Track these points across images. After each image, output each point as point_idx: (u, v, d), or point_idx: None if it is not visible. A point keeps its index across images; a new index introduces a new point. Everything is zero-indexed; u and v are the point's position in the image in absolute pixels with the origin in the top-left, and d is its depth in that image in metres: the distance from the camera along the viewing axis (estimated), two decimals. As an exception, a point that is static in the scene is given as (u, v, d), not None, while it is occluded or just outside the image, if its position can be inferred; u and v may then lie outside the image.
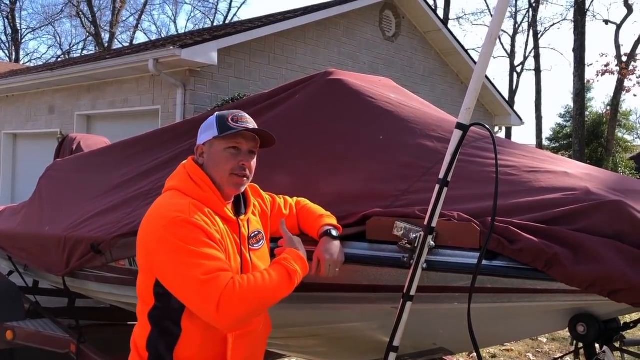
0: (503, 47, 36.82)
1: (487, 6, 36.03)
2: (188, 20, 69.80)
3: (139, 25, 37.90)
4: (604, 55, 44.34)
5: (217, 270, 1.70)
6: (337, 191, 2.43)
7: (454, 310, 2.02)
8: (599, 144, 25.85)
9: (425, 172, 2.30)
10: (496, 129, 15.71)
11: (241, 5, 76.85)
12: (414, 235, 1.93)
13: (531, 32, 33.02)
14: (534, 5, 31.97)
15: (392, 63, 12.59)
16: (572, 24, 20.36)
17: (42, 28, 39.63)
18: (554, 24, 47.89)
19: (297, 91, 2.92)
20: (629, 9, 26.37)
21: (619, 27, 27.01)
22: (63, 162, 4.39)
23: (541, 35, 34.34)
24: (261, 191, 2.23)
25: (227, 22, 34.03)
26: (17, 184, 13.73)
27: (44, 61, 36.89)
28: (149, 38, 37.45)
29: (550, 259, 1.73)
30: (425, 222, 1.88)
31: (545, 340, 5.89)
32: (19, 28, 37.34)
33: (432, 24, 13.14)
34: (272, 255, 2.06)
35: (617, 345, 2.00)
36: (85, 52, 36.11)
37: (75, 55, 34.76)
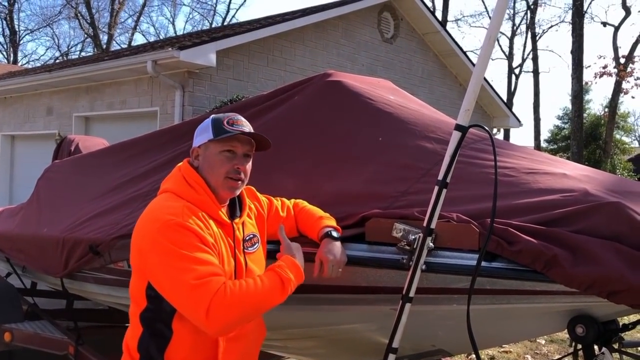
0: (501, 49, 36.88)
1: (485, 8, 36.25)
2: (186, 21, 69.82)
3: (138, 27, 37.85)
4: (602, 57, 44.22)
5: (209, 275, 1.70)
6: (336, 192, 2.43)
7: (453, 312, 2.02)
8: (597, 145, 25.89)
9: (424, 173, 2.31)
10: (494, 130, 15.69)
11: (239, 7, 77.26)
12: (413, 237, 1.94)
13: (529, 34, 33.13)
14: (532, 7, 32.08)
15: (391, 65, 12.59)
16: (570, 26, 20.39)
17: (40, 29, 39.52)
18: (552, 26, 48.13)
19: (295, 93, 2.92)
20: (627, 11, 26.44)
21: (617, 29, 27.06)
22: (61, 164, 4.39)
23: (539, 37, 34.56)
24: (258, 193, 2.23)
25: (225, 23, 33.99)
26: (15, 185, 13.69)
27: (42, 63, 36.91)
28: (147, 40, 37.53)
29: (550, 261, 1.74)
30: (425, 224, 1.88)
31: (544, 341, 5.88)
32: (17, 29, 37.37)
33: (430, 25, 13.14)
34: (271, 258, 2.05)
35: (616, 346, 2.01)
36: (83, 54, 36.11)
37: (73, 57, 34.70)
